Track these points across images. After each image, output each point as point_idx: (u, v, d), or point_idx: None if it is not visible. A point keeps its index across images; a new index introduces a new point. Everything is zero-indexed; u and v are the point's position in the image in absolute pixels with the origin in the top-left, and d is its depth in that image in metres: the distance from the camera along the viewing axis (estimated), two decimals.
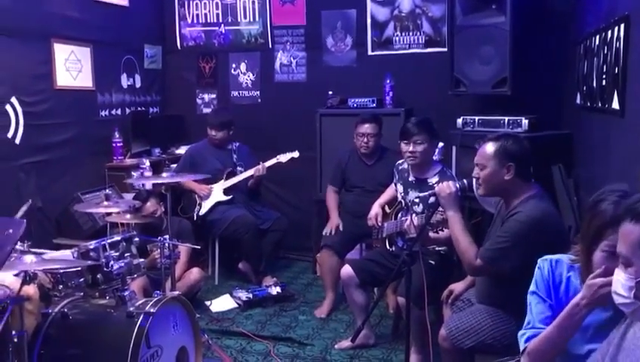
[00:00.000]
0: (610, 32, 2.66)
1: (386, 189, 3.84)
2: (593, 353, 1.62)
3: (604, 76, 2.77)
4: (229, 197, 4.74)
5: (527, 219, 2.46)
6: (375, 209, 3.68)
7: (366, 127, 4.12)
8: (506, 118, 3.81)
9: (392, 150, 4.16)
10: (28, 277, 2.46)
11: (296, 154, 4.75)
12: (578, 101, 3.48)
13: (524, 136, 3.14)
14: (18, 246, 2.57)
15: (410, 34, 5.04)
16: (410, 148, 3.38)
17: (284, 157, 4.75)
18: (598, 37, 2.93)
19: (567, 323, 1.71)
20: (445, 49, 4.76)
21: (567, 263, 1.88)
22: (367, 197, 4.03)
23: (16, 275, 2.64)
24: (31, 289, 2.66)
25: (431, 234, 2.98)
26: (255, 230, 4.60)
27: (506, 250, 2.49)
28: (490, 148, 2.58)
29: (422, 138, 3.36)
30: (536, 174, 2.65)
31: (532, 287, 1.93)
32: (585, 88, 3.27)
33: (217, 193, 4.75)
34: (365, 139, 4.13)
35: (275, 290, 4.41)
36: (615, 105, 2.55)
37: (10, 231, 1.75)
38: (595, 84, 2.97)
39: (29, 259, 2.46)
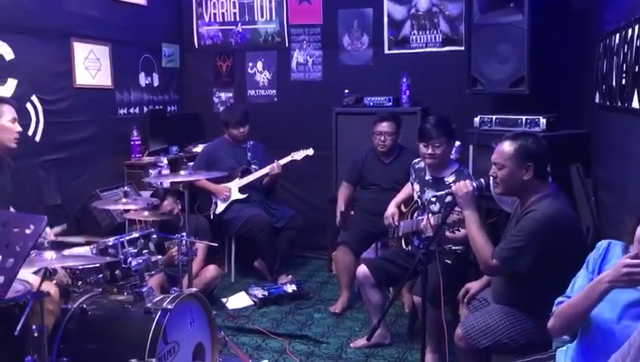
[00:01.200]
0: (630, 31, 2.63)
1: (401, 187, 3.83)
2: (613, 354, 1.61)
3: (624, 75, 2.73)
4: (245, 195, 4.76)
5: (542, 218, 2.45)
6: (391, 208, 3.67)
7: (383, 126, 4.12)
8: (524, 117, 3.78)
9: (409, 149, 4.15)
10: (48, 273, 2.50)
11: (310, 151, 4.76)
12: (597, 100, 3.44)
13: (541, 135, 3.11)
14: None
15: (427, 32, 5.02)
16: (429, 151, 3.37)
17: (298, 155, 4.76)
18: (617, 35, 2.89)
19: (589, 294, 1.82)
20: (462, 48, 4.74)
21: (622, 246, 1.92)
22: (384, 195, 4.02)
23: (36, 272, 2.69)
24: (51, 286, 2.70)
25: (447, 233, 2.97)
26: (270, 229, 4.62)
27: (520, 248, 2.47)
28: (508, 147, 2.56)
29: (441, 140, 3.33)
30: (554, 174, 2.63)
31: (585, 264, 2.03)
32: (604, 87, 3.23)
33: (233, 192, 4.77)
34: (382, 138, 4.12)
35: (291, 288, 4.43)
36: (635, 104, 2.52)
37: (32, 227, 1.77)
38: (614, 83, 2.94)
39: (48, 255, 2.49)
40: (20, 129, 3.14)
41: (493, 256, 2.55)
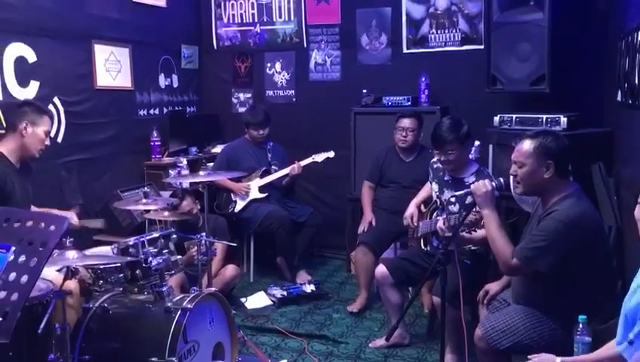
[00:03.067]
0: None
1: (421, 186, 3.82)
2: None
3: None
4: (265, 194, 4.79)
5: (565, 219, 2.42)
6: (411, 208, 3.65)
7: (405, 122, 4.14)
8: (544, 116, 3.74)
9: (430, 149, 4.15)
10: (70, 273, 2.53)
11: (331, 154, 4.76)
12: (619, 98, 3.40)
13: (563, 134, 3.08)
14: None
15: (446, 31, 5.00)
16: (443, 158, 3.35)
17: (319, 157, 4.77)
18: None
19: None
20: (482, 46, 4.71)
21: None
22: (404, 193, 4.02)
23: (58, 270, 2.73)
24: (72, 284, 2.74)
25: (465, 234, 2.95)
26: (288, 224, 4.63)
27: (542, 249, 2.45)
28: (528, 145, 2.54)
29: (452, 146, 3.30)
30: (576, 173, 2.60)
31: None
32: (626, 85, 3.19)
33: (253, 191, 4.80)
34: (404, 133, 4.14)
35: (310, 288, 4.43)
36: None
37: (54, 227, 1.79)
38: (637, 81, 2.90)
39: (70, 254, 2.53)
40: (48, 143, 3.26)
41: (513, 256, 2.53)
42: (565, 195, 2.50)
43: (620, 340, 1.86)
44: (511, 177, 2.63)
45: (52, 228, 1.79)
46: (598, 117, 4.05)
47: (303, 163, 4.76)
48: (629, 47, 3.14)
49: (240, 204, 4.79)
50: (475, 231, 2.89)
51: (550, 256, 2.43)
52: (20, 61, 3.87)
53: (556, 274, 2.46)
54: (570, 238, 2.41)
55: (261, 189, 4.80)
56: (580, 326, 2.18)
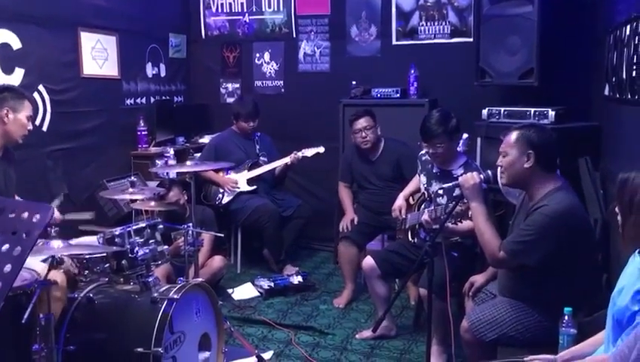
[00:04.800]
0: None
1: (395, 183, 3.83)
2: (620, 344, 1.61)
3: (634, 67, 2.71)
4: (253, 187, 4.77)
5: (553, 213, 2.44)
6: (399, 201, 3.66)
7: (361, 122, 4.16)
8: (532, 110, 3.76)
9: (394, 140, 4.23)
10: (55, 262, 2.51)
11: (321, 149, 4.75)
12: (607, 92, 3.42)
13: (550, 127, 3.10)
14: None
15: (436, 24, 5.00)
16: (431, 151, 3.36)
17: (309, 152, 4.76)
18: (628, 27, 2.87)
19: None
20: (471, 39, 4.72)
21: None
22: (379, 195, 4.07)
23: (43, 260, 2.70)
24: (58, 274, 2.71)
25: (449, 224, 2.95)
26: (276, 218, 4.63)
27: (530, 243, 2.47)
28: (513, 136, 2.58)
29: (441, 139, 3.31)
30: (563, 166, 2.62)
31: None
32: (614, 79, 3.21)
33: (241, 184, 4.78)
34: (363, 134, 4.16)
35: (297, 279, 4.44)
36: None
37: (38, 216, 1.77)
38: (624, 75, 2.91)
39: (55, 244, 2.51)
40: (31, 128, 3.20)
41: (500, 249, 2.55)
42: (553, 189, 2.51)
43: (610, 347, 1.86)
44: (498, 168, 2.65)
45: (36, 217, 1.77)
46: (585, 111, 4.07)
47: (301, 154, 4.71)
48: (617, 41, 3.15)
49: (227, 197, 4.77)
50: (461, 222, 2.90)
51: (537, 250, 2.45)
52: (4, 48, 3.81)
53: (542, 268, 2.48)
54: (557, 233, 2.43)
55: (249, 182, 4.78)
56: (566, 318, 2.20)
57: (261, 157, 4.87)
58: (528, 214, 2.55)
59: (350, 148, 4.39)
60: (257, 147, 4.92)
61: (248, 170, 4.80)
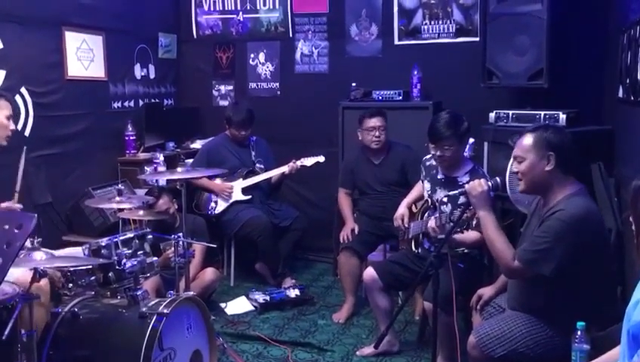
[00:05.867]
0: None
1: (398, 188, 3.84)
2: (636, 360, 1.60)
3: None
4: (248, 197, 4.76)
5: (569, 219, 2.43)
6: (401, 209, 3.66)
7: (375, 121, 4.19)
8: (542, 113, 3.77)
9: (400, 144, 4.25)
10: (38, 275, 2.50)
11: (321, 158, 4.75)
12: (620, 94, 3.43)
13: None
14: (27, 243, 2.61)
15: (440, 22, 5.02)
16: (439, 153, 3.35)
17: (308, 161, 4.76)
18: None
19: None
20: (477, 38, 4.74)
21: None
22: (382, 199, 4.05)
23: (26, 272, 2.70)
24: (41, 287, 2.70)
25: (456, 236, 2.95)
26: (270, 231, 4.61)
27: (546, 251, 2.45)
28: (528, 139, 2.56)
29: (450, 142, 3.31)
30: (575, 172, 2.62)
31: None
32: (628, 81, 3.22)
33: (236, 193, 4.77)
34: (376, 133, 4.18)
35: (294, 293, 4.43)
36: None
37: (21, 226, 1.78)
38: (639, 77, 2.93)
39: (38, 255, 2.50)
40: (14, 127, 3.21)
41: (514, 258, 2.54)
42: (570, 194, 2.51)
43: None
44: (507, 175, 2.65)
45: (18, 227, 1.77)
46: (598, 114, 4.09)
47: (300, 163, 4.71)
48: (631, 41, 3.16)
49: (221, 205, 4.77)
50: (467, 230, 2.90)
51: (554, 258, 2.44)
52: None
53: (556, 278, 2.47)
54: (574, 240, 2.42)
55: (244, 191, 4.77)
56: (579, 333, 2.19)
57: (257, 165, 4.87)
58: (543, 220, 2.53)
59: (352, 152, 4.38)
60: (253, 153, 4.91)
61: (243, 179, 4.80)
